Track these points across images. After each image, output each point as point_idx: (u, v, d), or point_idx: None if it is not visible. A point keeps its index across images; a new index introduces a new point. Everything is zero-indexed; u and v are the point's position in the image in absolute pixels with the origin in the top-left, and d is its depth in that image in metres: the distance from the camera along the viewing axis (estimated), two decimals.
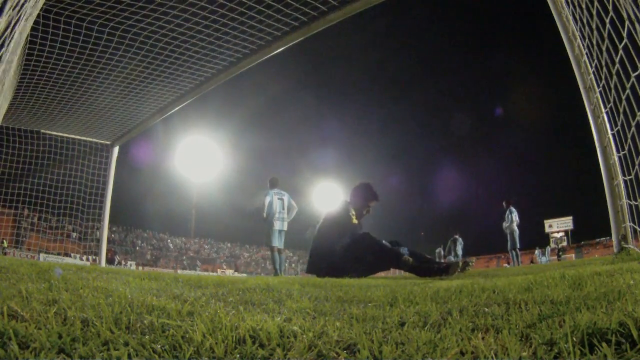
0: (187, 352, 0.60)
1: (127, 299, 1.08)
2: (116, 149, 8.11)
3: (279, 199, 6.90)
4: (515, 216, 9.98)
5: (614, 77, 2.36)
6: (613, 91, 2.45)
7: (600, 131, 2.85)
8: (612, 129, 2.69)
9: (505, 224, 10.09)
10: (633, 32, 2.07)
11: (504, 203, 10.28)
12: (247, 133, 55.88)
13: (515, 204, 10.25)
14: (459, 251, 12.48)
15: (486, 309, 0.93)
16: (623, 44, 2.19)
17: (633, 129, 2.27)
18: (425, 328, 0.75)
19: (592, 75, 2.86)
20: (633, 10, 2.03)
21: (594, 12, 2.44)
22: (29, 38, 4.54)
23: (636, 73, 2.09)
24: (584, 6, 2.63)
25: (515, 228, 9.96)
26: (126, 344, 0.62)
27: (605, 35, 2.35)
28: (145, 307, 0.96)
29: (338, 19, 4.43)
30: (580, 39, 2.92)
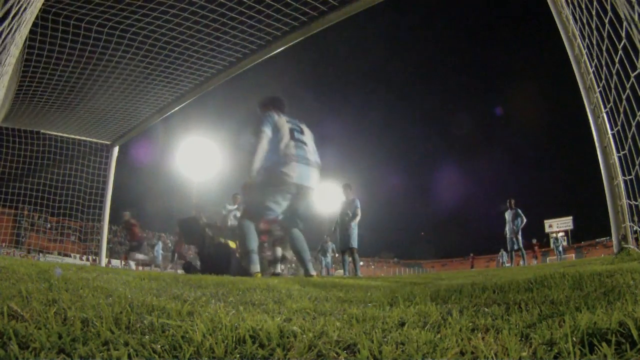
0: (187, 352, 0.60)
1: (127, 299, 1.08)
2: (116, 149, 8.11)
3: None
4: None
5: (614, 77, 2.36)
6: (613, 91, 2.45)
7: (600, 131, 2.84)
8: (612, 129, 2.68)
9: (513, 224, 9.91)
10: (631, 32, 2.07)
11: (509, 202, 10.15)
12: (247, 132, 55.76)
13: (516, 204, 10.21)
14: (329, 254, 14.00)
15: (486, 309, 0.93)
16: (623, 44, 2.19)
17: (633, 129, 2.27)
18: (425, 328, 0.75)
19: (592, 75, 2.86)
20: (629, 11, 2.02)
21: (594, 12, 2.44)
22: (28, 38, 4.53)
23: (636, 73, 2.09)
24: (583, 6, 2.63)
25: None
26: (126, 344, 0.62)
27: (605, 35, 2.35)
28: (145, 307, 0.96)
29: (338, 19, 4.43)
30: (580, 39, 2.92)
